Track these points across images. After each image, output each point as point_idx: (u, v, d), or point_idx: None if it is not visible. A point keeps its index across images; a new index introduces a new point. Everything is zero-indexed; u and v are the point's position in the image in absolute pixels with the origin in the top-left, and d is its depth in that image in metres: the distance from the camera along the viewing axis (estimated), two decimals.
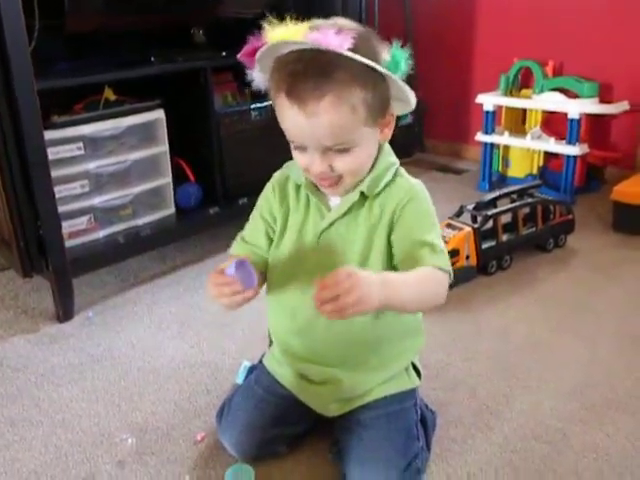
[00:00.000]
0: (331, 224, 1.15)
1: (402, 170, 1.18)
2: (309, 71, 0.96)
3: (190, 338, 1.74)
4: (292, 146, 1.09)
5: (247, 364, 1.49)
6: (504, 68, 2.95)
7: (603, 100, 2.70)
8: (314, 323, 1.17)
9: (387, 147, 1.16)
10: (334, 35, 0.94)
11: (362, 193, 1.12)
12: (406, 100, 1.08)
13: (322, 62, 0.96)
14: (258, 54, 1.02)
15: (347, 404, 1.24)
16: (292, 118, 1.01)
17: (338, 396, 1.24)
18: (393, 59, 1.01)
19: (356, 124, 1.02)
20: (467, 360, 1.60)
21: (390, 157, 1.16)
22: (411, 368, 1.30)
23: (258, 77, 1.07)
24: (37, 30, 1.79)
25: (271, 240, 1.23)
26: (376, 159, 1.13)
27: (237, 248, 1.26)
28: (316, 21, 1.01)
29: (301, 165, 1.09)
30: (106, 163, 1.97)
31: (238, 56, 1.06)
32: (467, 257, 1.97)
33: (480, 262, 2.01)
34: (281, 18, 0.99)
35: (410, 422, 1.21)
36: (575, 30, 2.82)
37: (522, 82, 2.98)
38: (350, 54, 0.95)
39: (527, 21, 2.96)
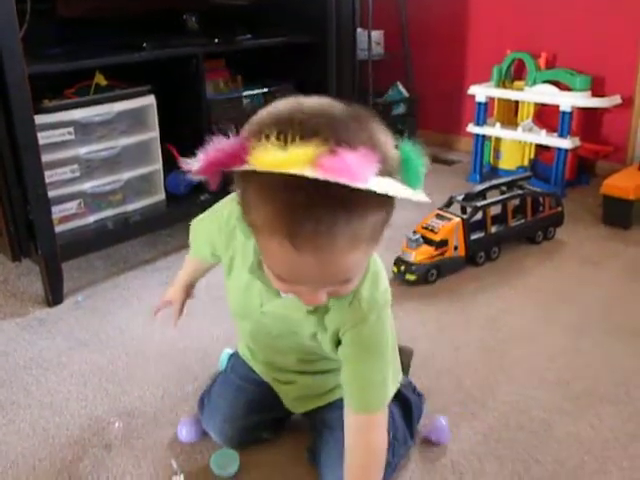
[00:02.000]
0: (277, 308, 1.06)
1: (375, 277, 1.01)
2: (319, 206, 0.70)
3: (179, 323, 1.74)
4: (273, 276, 0.85)
5: (229, 351, 1.50)
6: (497, 59, 2.95)
7: (595, 93, 2.71)
8: (270, 349, 1.23)
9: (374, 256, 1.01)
10: (357, 163, 0.67)
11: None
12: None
13: (335, 192, 0.69)
14: (234, 173, 0.75)
15: (310, 402, 1.26)
16: (294, 263, 0.77)
17: (300, 394, 1.26)
18: (410, 166, 0.77)
19: (369, 253, 0.85)
20: (454, 350, 1.61)
21: (375, 267, 1.02)
22: None
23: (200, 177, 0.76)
24: (28, 14, 1.78)
25: (216, 257, 1.19)
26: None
27: (192, 241, 1.30)
28: (302, 115, 0.73)
29: (283, 290, 0.90)
30: (97, 148, 1.97)
31: (193, 171, 0.75)
32: (456, 248, 1.98)
33: (469, 253, 2.02)
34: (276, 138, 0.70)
35: None
36: (568, 22, 2.82)
37: (515, 74, 2.98)
38: (375, 186, 0.69)
39: (520, 13, 2.97)
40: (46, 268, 1.82)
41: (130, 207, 2.10)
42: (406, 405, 1.27)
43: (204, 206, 2.19)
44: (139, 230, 2.12)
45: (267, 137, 0.70)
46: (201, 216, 1.24)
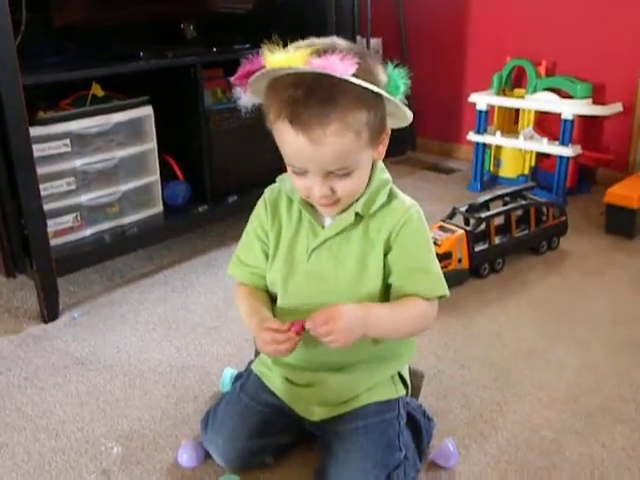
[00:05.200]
0: (323, 242, 1.14)
1: (396, 189, 1.17)
2: (312, 96, 0.94)
3: (177, 341, 1.70)
4: (290, 169, 1.07)
5: (232, 371, 1.45)
6: (497, 67, 2.92)
7: (596, 101, 2.68)
8: (305, 335, 1.15)
9: (380, 165, 1.16)
10: (338, 61, 0.92)
11: (357, 213, 1.11)
12: (402, 117, 1.08)
13: (325, 87, 0.94)
14: (252, 78, 0.99)
15: (332, 409, 1.21)
16: (295, 145, 0.99)
17: (323, 398, 1.22)
18: (392, 81, 1.01)
19: (360, 148, 1.02)
20: (460, 367, 1.58)
21: (383, 174, 1.15)
22: (397, 377, 1.27)
23: (246, 98, 1.04)
24: (24, 24, 1.74)
25: (266, 249, 1.21)
26: (370, 176, 1.12)
27: (236, 270, 1.25)
28: (314, 41, 0.99)
29: (300, 189, 1.08)
30: (93, 160, 1.93)
31: (232, 79, 1.03)
32: (459, 260, 1.95)
33: (472, 265, 1.99)
34: (279, 41, 0.96)
35: (390, 433, 1.18)
36: (568, 30, 2.79)
37: (514, 81, 2.95)
38: (354, 79, 0.93)
39: (520, 20, 2.93)
40: (41, 283, 1.78)
41: (127, 220, 2.07)
42: (416, 428, 1.24)
43: (203, 218, 2.24)
44: (136, 243, 2.09)
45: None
46: (238, 246, 1.26)
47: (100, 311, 1.87)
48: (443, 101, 3.33)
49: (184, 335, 1.73)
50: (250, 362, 1.37)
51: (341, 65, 0.91)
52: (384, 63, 1.04)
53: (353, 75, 0.93)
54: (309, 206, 1.14)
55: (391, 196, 1.14)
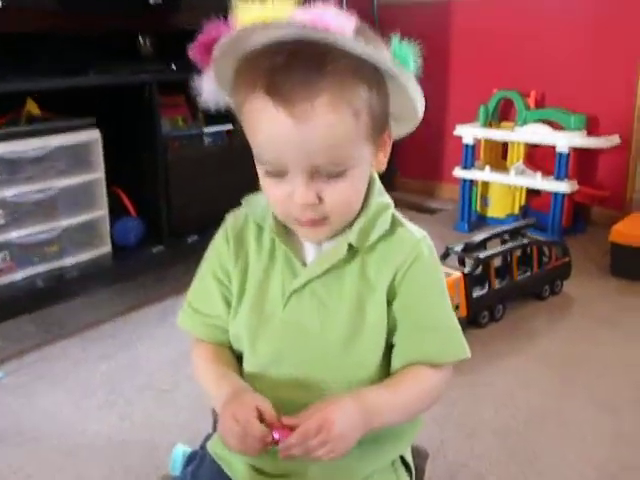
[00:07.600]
0: (305, 284, 0.87)
1: (399, 215, 0.91)
2: (297, 62, 0.73)
3: (121, 407, 1.45)
4: (262, 172, 0.82)
5: (185, 449, 1.16)
6: (482, 99, 2.76)
7: (590, 133, 2.51)
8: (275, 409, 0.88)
9: (378, 184, 0.90)
10: (334, 15, 0.72)
11: (350, 245, 0.85)
12: (408, 115, 0.84)
13: (313, 51, 0.73)
14: (217, 48, 0.76)
15: None
16: (274, 125, 0.75)
17: None
18: (398, 56, 0.79)
19: (358, 136, 0.77)
20: (467, 436, 1.32)
21: (382, 197, 0.90)
22: (399, 462, 0.99)
23: (209, 87, 0.82)
24: None
25: (228, 294, 0.93)
26: (366, 197, 0.87)
27: (187, 320, 0.96)
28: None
29: (275, 202, 0.83)
30: (27, 190, 1.75)
31: (190, 51, 0.79)
32: (456, 307, 1.69)
33: (471, 312, 1.75)
34: None
35: None
36: (557, 59, 2.68)
37: (501, 114, 2.79)
38: (352, 43, 0.73)
39: (507, 50, 2.81)
40: None
41: (68, 261, 1.86)
42: None
43: (158, 260, 1.98)
44: (79, 288, 1.86)
45: None
46: (190, 289, 0.97)
47: (31, 370, 1.62)
48: (424, 136, 3.10)
49: (129, 400, 1.46)
50: (207, 437, 1.07)
51: (337, 20, 0.71)
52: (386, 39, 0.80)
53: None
54: (285, 235, 0.88)
55: (394, 224, 0.88)
